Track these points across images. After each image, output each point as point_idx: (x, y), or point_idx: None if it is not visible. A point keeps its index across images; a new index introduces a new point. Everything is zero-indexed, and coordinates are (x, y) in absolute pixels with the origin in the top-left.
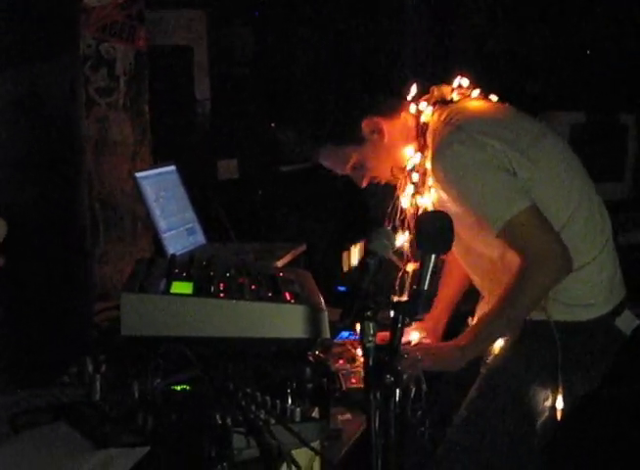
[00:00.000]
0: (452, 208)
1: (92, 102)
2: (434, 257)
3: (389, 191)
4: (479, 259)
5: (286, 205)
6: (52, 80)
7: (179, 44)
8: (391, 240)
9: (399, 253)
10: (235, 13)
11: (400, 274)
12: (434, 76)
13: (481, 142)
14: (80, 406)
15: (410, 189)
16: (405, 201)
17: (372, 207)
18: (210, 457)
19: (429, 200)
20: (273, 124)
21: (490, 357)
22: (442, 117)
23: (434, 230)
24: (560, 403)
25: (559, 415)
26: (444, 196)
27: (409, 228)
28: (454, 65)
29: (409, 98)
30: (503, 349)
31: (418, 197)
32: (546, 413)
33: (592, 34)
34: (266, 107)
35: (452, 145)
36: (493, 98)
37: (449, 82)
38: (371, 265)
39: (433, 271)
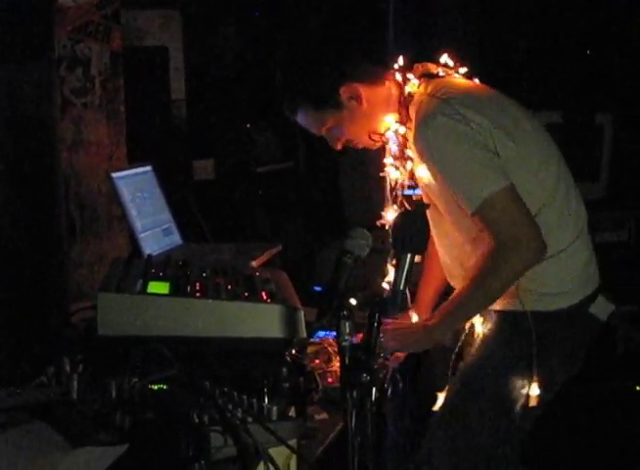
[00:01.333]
0: (430, 183)
1: (67, 102)
2: (409, 256)
3: (364, 195)
4: (453, 245)
5: (261, 205)
6: (26, 81)
7: (155, 44)
8: (367, 240)
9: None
10: (212, 13)
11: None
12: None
13: (466, 117)
14: (58, 405)
15: (389, 161)
16: (394, 172)
17: (348, 207)
18: (188, 456)
19: (405, 172)
20: (249, 125)
21: (467, 352)
22: (428, 90)
23: (409, 230)
24: (535, 390)
25: (533, 402)
26: (423, 172)
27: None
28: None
29: (395, 66)
30: (479, 344)
31: (395, 170)
32: (522, 401)
33: (569, 34)
34: (242, 107)
35: (436, 117)
36: (478, 83)
37: (435, 61)
38: (347, 264)
39: (408, 271)
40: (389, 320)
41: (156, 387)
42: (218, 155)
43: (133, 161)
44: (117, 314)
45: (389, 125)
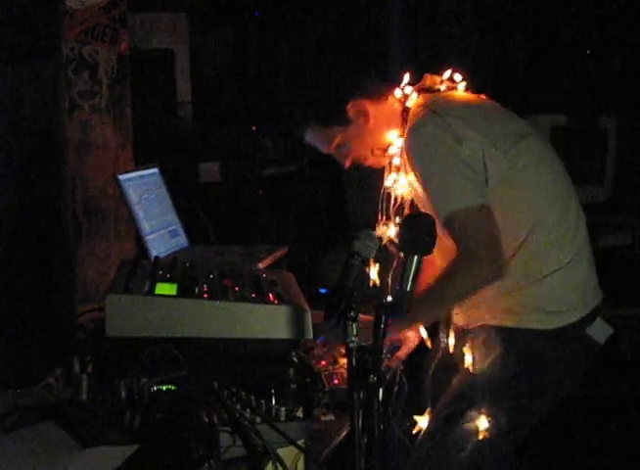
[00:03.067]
0: (421, 193)
1: (75, 105)
2: (416, 258)
3: (370, 195)
4: (445, 250)
5: (267, 207)
6: (34, 83)
7: (161, 47)
8: (374, 242)
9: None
10: (216, 15)
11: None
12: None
13: (455, 129)
14: (68, 406)
15: (394, 176)
16: (391, 186)
17: (352, 209)
18: (197, 456)
19: (405, 181)
20: (255, 127)
21: (461, 369)
22: (423, 102)
23: (416, 231)
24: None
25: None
26: (415, 182)
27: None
28: (434, 70)
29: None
30: (474, 361)
31: (399, 180)
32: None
33: (573, 37)
34: (248, 110)
35: (426, 126)
36: (482, 97)
37: (441, 75)
38: (354, 266)
39: (415, 273)
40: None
41: (165, 387)
42: (224, 157)
43: (140, 163)
44: (125, 316)
45: (393, 141)
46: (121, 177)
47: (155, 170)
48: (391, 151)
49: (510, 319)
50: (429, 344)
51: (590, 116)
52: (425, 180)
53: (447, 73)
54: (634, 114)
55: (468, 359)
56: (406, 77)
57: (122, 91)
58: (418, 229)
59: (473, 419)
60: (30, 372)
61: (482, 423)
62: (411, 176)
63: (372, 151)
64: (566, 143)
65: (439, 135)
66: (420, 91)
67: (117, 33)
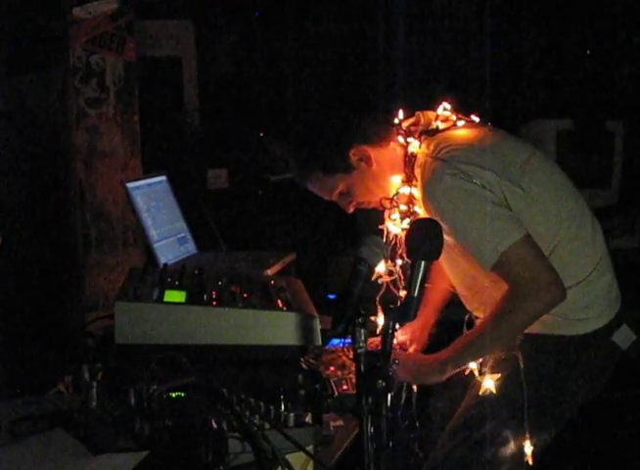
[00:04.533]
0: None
1: (82, 113)
2: (423, 263)
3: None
4: (464, 274)
5: (275, 214)
6: (42, 92)
7: (168, 55)
8: (381, 248)
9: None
10: (223, 22)
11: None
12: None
13: (472, 174)
14: (78, 414)
15: (397, 215)
16: (394, 228)
17: (360, 215)
18: (207, 462)
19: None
20: (262, 134)
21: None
22: (430, 149)
23: (424, 237)
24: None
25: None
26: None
27: (400, 255)
28: (440, 72)
29: (396, 121)
30: (496, 376)
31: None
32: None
33: (580, 42)
34: (256, 117)
35: (443, 179)
36: (475, 119)
37: (433, 109)
38: (361, 272)
39: (422, 278)
40: (403, 352)
41: (174, 394)
42: (232, 164)
43: (148, 170)
44: (135, 323)
45: (398, 186)
46: (129, 185)
47: (163, 178)
48: (396, 197)
49: (536, 326)
50: None
51: (597, 119)
52: (458, 234)
53: (440, 109)
54: None
55: (494, 366)
56: (400, 114)
57: (130, 99)
58: (425, 234)
59: (503, 426)
60: (40, 380)
61: (527, 447)
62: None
63: (380, 202)
64: (572, 147)
65: (458, 184)
66: (419, 136)
67: (124, 41)
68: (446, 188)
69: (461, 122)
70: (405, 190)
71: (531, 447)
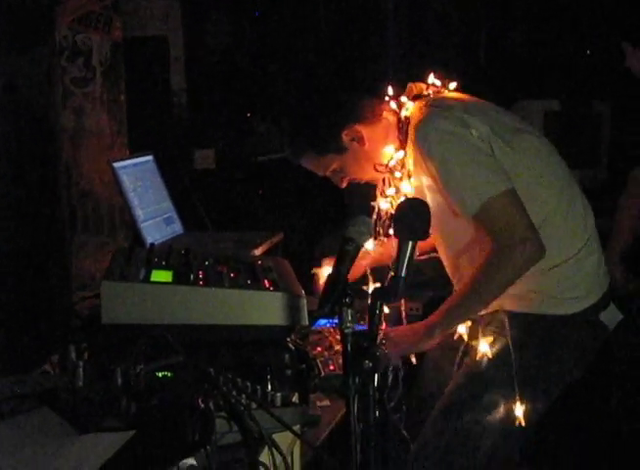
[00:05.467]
0: (429, 195)
1: (68, 92)
2: (411, 243)
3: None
4: (451, 238)
5: (262, 194)
6: (27, 72)
7: (154, 34)
8: (368, 227)
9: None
10: (210, 2)
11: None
12: (410, 66)
13: (466, 121)
14: (64, 393)
15: (391, 191)
16: (385, 205)
17: (348, 195)
18: (193, 441)
19: (408, 188)
20: (249, 114)
21: (472, 349)
22: (422, 104)
23: (411, 216)
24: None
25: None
26: (424, 182)
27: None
28: (430, 52)
29: (386, 98)
30: (483, 348)
31: (401, 184)
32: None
33: (566, 22)
34: (243, 97)
35: (435, 120)
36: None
37: (424, 80)
38: (349, 252)
39: (409, 258)
40: (389, 328)
41: (160, 374)
42: (219, 144)
43: (134, 150)
44: (121, 303)
45: (391, 155)
46: (116, 165)
47: (149, 158)
48: (391, 163)
49: (524, 305)
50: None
51: (583, 100)
52: (445, 177)
53: (431, 78)
54: (628, 98)
55: (483, 346)
56: (389, 91)
57: (116, 78)
58: (412, 213)
59: (496, 405)
60: (26, 359)
61: (518, 409)
62: (416, 181)
63: (375, 167)
64: (559, 128)
65: (451, 127)
66: (414, 99)
67: (111, 21)
68: (438, 130)
69: (453, 85)
70: (400, 154)
71: (521, 413)
